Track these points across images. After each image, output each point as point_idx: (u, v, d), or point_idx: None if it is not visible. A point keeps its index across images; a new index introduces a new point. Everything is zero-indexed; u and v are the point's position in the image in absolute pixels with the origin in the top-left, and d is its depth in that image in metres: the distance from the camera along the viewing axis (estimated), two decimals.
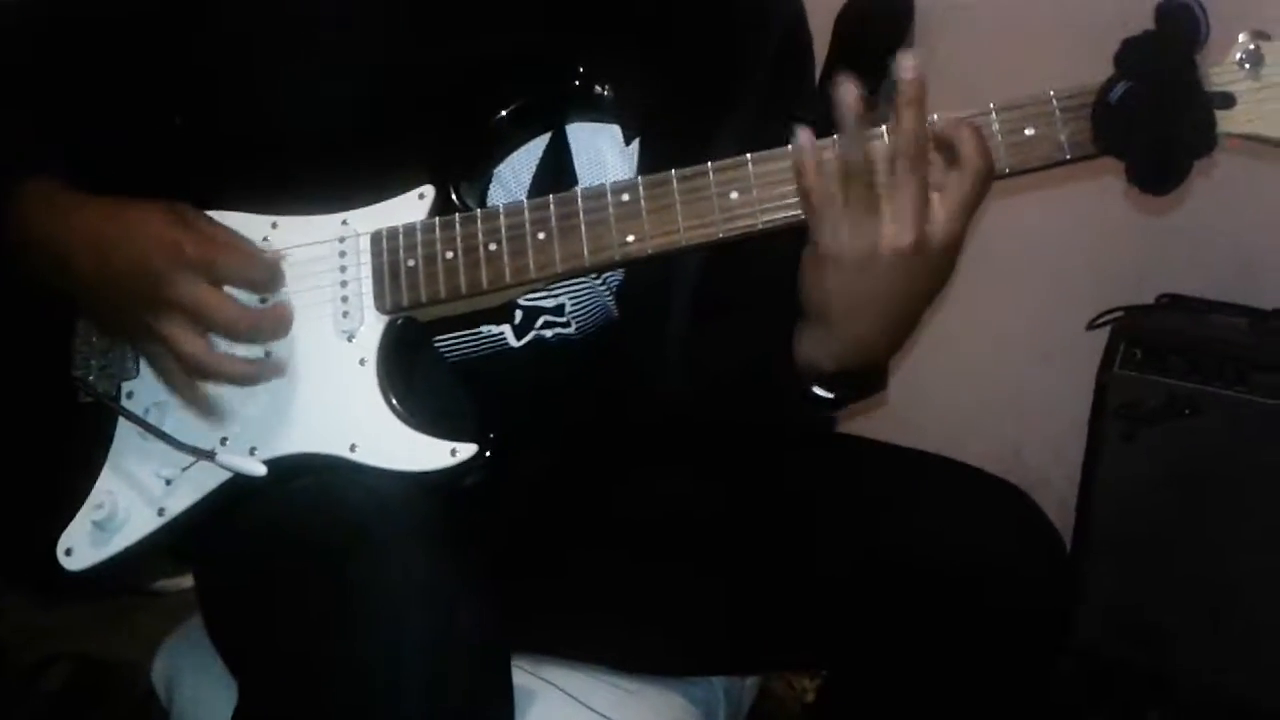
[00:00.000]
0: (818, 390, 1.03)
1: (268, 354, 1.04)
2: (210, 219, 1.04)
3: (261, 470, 1.00)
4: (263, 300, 1.04)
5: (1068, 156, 0.93)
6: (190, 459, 1.02)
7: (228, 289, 1.01)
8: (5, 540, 1.14)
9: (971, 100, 0.95)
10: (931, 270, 0.95)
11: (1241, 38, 0.91)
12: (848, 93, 0.91)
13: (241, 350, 1.03)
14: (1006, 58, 1.89)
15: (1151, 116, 0.90)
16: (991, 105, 0.94)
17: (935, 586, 1.01)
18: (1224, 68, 0.92)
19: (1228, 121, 0.91)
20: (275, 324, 1.03)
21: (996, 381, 2.22)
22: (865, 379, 1.04)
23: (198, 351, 1.00)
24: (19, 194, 1.05)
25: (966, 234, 0.94)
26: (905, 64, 0.90)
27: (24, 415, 1.14)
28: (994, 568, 1.01)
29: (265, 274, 1.03)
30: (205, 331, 1.00)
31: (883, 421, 1.25)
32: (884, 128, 0.92)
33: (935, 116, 0.93)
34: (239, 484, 1.01)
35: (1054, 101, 0.93)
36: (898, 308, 0.97)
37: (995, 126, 0.94)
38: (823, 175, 0.93)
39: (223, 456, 1.01)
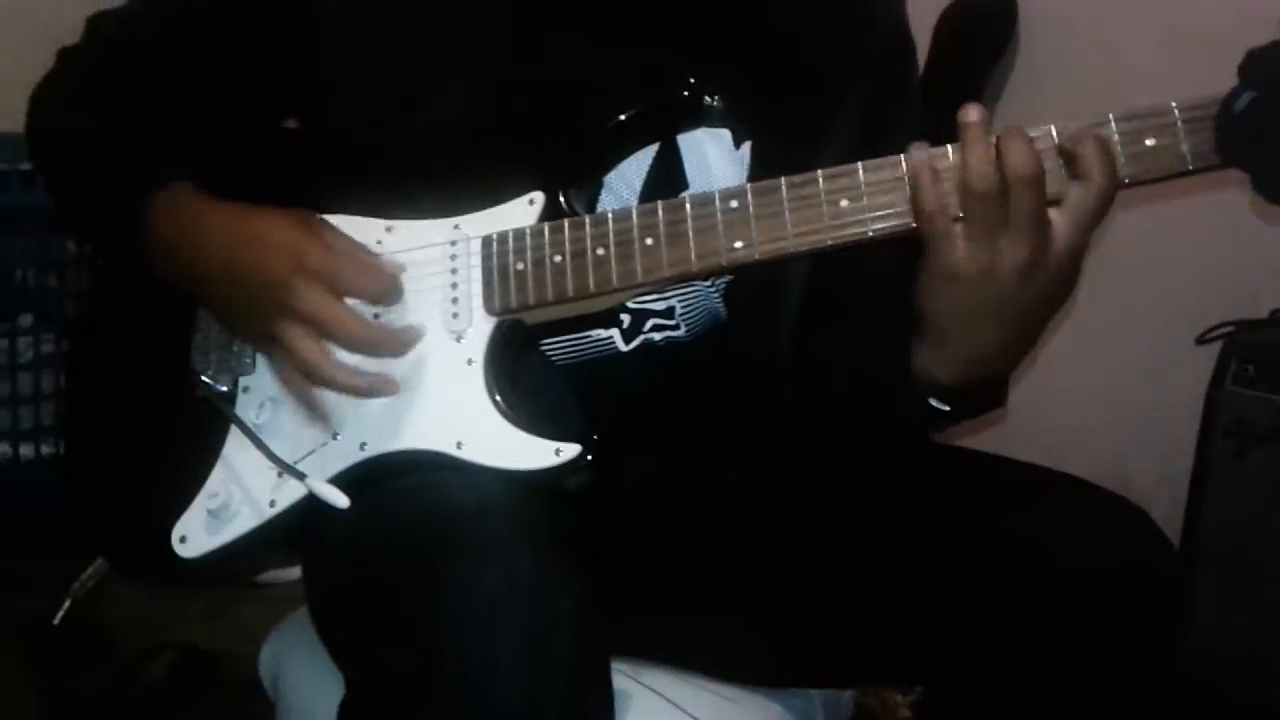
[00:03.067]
0: (934, 403, 1.03)
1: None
2: (335, 230, 1.06)
3: (344, 503, 1.00)
4: (376, 315, 1.06)
5: (1190, 167, 0.92)
6: (306, 449, 1.05)
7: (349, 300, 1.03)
8: (121, 528, 1.18)
9: (1070, 104, 0.95)
10: (1052, 285, 0.93)
11: None
12: (972, 113, 0.91)
13: (356, 360, 1.04)
14: (1109, 62, 1.86)
15: (1278, 127, 0.88)
16: (1110, 115, 0.92)
17: (1041, 599, 0.99)
18: None
19: None
20: (394, 345, 1.04)
21: (1101, 397, 2.18)
22: (983, 394, 1.03)
23: (315, 359, 1.01)
24: (152, 201, 1.09)
25: (1088, 247, 0.93)
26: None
27: (144, 406, 1.17)
28: (1104, 582, 0.99)
29: (384, 287, 1.04)
30: (323, 340, 1.02)
31: (983, 436, 1.24)
32: (994, 137, 0.91)
33: (1052, 128, 0.92)
34: (347, 481, 1.03)
35: (1176, 112, 0.91)
36: (1017, 323, 0.95)
37: (1115, 136, 0.92)
38: (940, 191, 0.92)
39: (311, 482, 1.02)
